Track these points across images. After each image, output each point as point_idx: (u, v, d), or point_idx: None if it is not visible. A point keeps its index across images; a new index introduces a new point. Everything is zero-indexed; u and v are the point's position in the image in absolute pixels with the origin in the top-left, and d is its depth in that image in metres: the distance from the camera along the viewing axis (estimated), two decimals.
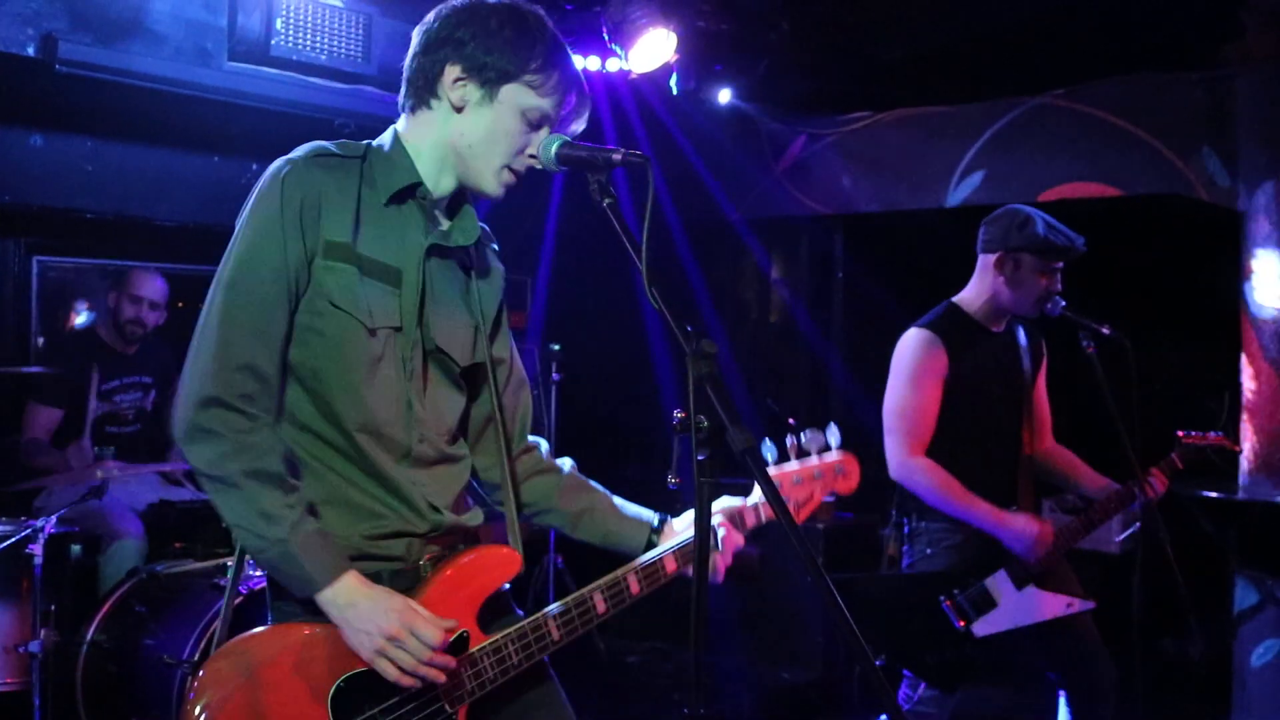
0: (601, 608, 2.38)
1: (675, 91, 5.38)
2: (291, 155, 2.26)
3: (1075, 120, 5.69)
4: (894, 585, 3.95)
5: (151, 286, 5.56)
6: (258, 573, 4.51)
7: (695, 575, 1.92)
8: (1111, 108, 5.56)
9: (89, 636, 4.44)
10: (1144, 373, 3.86)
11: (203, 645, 4.17)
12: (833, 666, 5.65)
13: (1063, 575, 3.93)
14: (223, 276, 2.20)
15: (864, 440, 5.47)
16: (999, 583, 3.78)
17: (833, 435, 2.69)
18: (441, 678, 2.18)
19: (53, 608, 4.25)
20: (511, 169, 2.34)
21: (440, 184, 2.37)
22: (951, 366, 3.90)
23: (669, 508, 2.59)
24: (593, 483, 2.64)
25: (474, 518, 2.46)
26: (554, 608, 2.35)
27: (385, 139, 2.38)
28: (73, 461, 5.18)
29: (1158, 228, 6.00)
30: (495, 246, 2.56)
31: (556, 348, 6.64)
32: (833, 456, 2.71)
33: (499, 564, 2.37)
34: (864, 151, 6.45)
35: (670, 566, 2.48)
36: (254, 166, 6.09)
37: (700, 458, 1.90)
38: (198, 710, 2.09)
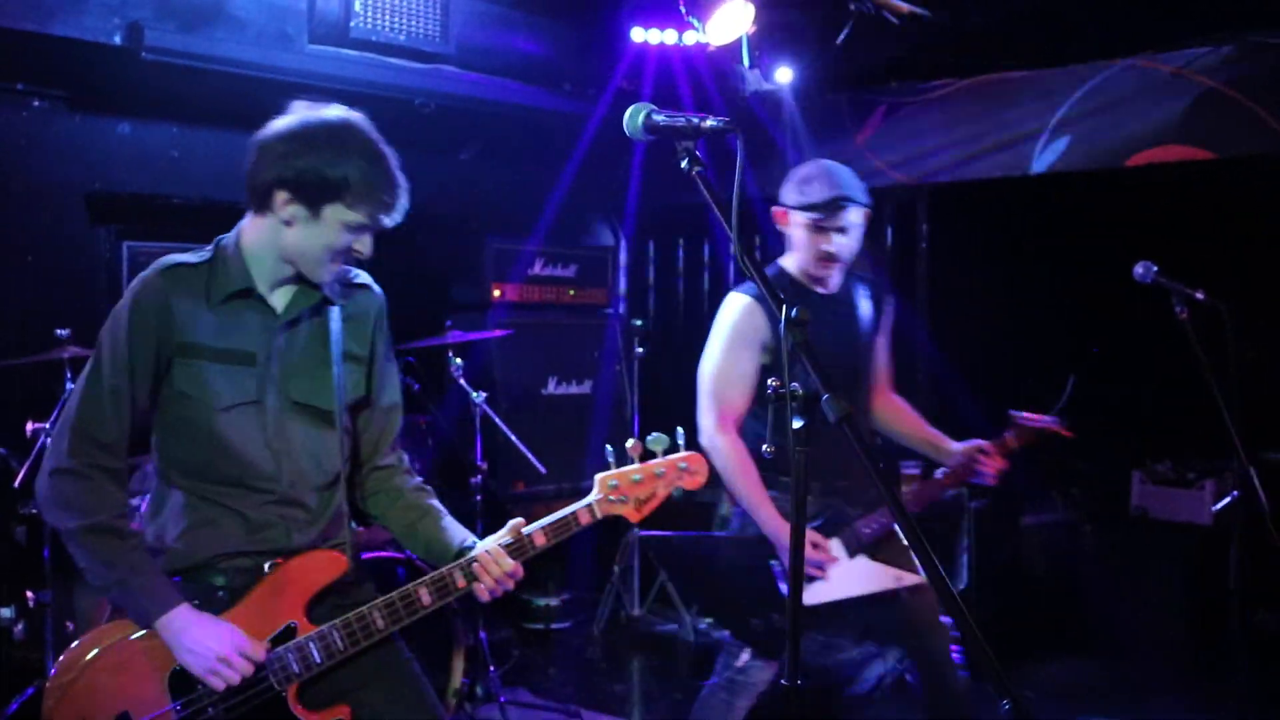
0: (426, 600, 2.63)
1: (749, 64, 5.32)
2: (144, 272, 2.59)
3: (1164, 83, 5.54)
4: (722, 546, 3.74)
5: None
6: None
7: (791, 545, 1.91)
8: (1204, 69, 5.41)
9: None
10: (1241, 339, 3.75)
11: None
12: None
13: (896, 549, 3.69)
14: (87, 369, 2.56)
15: (950, 409, 5.42)
16: (831, 550, 3.58)
17: (679, 437, 2.82)
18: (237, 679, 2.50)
19: None
20: (339, 261, 2.61)
21: (277, 275, 2.63)
22: (775, 332, 3.59)
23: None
24: (431, 502, 2.85)
25: (343, 536, 2.76)
26: (379, 600, 2.62)
27: (231, 240, 2.67)
28: None
29: (1253, 191, 5.84)
30: (358, 281, 2.79)
31: (638, 323, 6.62)
32: (677, 455, 2.82)
33: (325, 566, 2.66)
34: (946, 119, 6.34)
35: (459, 582, 2.65)
36: None
37: (796, 425, 1.89)
38: (53, 687, 2.51)
